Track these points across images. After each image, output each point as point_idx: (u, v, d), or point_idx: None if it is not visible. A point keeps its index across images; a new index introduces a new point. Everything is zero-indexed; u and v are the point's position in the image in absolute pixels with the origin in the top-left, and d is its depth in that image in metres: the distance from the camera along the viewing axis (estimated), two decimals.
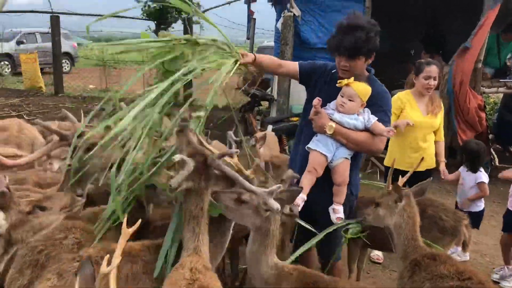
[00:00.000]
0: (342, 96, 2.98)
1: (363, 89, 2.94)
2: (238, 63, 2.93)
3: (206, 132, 4.89)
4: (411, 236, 2.95)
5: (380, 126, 2.96)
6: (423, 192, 3.19)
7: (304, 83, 3.37)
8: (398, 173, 4.45)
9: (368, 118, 2.98)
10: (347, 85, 2.93)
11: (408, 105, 4.50)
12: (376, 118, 2.98)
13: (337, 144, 3.00)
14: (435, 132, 4.64)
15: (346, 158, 3.03)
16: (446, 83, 7.22)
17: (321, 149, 3.00)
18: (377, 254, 4.91)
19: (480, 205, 4.74)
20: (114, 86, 16.81)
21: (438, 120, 4.56)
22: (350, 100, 2.95)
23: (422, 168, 4.47)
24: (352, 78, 2.93)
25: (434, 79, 4.41)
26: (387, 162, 4.75)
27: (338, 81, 2.99)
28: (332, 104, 3.06)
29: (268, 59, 3.30)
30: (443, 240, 3.69)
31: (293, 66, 3.34)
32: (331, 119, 2.97)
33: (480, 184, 4.62)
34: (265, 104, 9.92)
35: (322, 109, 2.99)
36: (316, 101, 2.97)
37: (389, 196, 3.02)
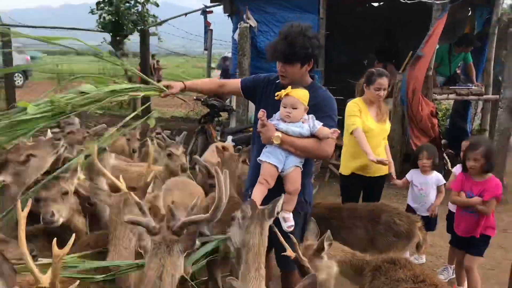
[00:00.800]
0: (285, 107, 2.99)
1: (303, 95, 2.96)
2: (162, 94, 3.31)
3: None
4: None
5: (325, 130, 2.98)
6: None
7: (250, 99, 3.45)
8: (356, 178, 4.58)
9: (313, 124, 2.99)
10: (286, 95, 2.95)
11: (362, 111, 4.58)
12: (321, 124, 3.00)
13: (286, 153, 3.01)
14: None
15: (297, 166, 3.04)
16: (399, 91, 7.44)
17: (271, 160, 3.00)
18: None
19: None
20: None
21: (388, 125, 4.67)
22: (294, 108, 2.96)
23: (382, 173, 4.60)
24: (289, 87, 2.96)
25: (384, 90, 4.50)
26: (341, 170, 4.81)
27: (275, 94, 3.02)
28: (277, 115, 3.06)
29: (207, 82, 3.59)
30: (398, 244, 3.78)
31: (236, 83, 3.44)
32: (277, 129, 2.99)
33: (441, 186, 4.71)
34: (224, 115, 9.92)
35: (268, 121, 3.01)
36: (261, 113, 2.99)
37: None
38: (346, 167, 4.72)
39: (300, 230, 3.27)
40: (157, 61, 22.95)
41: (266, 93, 3.23)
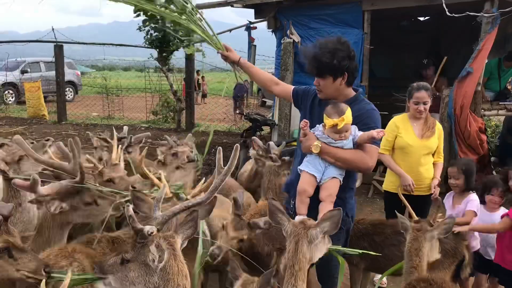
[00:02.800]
0: (338, 133, 2.93)
1: (348, 116, 2.90)
2: (219, 51, 3.52)
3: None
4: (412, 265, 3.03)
5: (368, 132, 2.93)
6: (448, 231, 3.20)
7: (297, 106, 3.46)
8: (398, 198, 4.45)
9: (355, 134, 2.96)
10: (335, 125, 2.88)
11: (403, 128, 4.50)
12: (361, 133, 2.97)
13: (325, 164, 2.98)
14: (433, 155, 4.57)
15: (335, 177, 3.00)
16: (447, 106, 7.26)
17: (310, 169, 2.99)
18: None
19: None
20: (117, 113, 17.03)
21: (433, 142, 4.48)
22: (346, 131, 2.94)
23: (422, 192, 4.47)
24: (339, 119, 2.86)
25: (424, 103, 4.37)
26: (385, 186, 4.72)
27: (325, 125, 2.96)
28: (321, 126, 3.04)
29: (262, 72, 3.66)
30: (444, 262, 3.65)
31: (289, 87, 3.54)
32: (318, 139, 2.98)
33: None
34: (266, 129, 9.96)
35: (309, 131, 3.02)
36: (303, 123, 3.01)
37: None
38: (389, 182, 4.65)
39: (343, 245, 3.19)
40: (202, 77, 23.44)
41: (312, 104, 3.26)
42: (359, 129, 2.98)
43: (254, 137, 6.57)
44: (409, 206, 3.59)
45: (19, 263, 2.25)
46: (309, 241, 2.38)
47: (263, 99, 20.71)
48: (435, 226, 3.15)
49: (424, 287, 2.79)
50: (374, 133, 2.89)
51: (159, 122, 15.19)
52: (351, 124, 2.96)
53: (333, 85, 3.04)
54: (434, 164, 4.56)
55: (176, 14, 3.60)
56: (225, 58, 3.57)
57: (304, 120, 3.05)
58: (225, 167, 2.32)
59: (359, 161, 2.97)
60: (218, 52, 3.59)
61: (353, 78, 3.12)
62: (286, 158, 4.68)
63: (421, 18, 11.26)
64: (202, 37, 3.63)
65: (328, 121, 2.90)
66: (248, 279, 2.58)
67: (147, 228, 2.03)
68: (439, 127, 4.60)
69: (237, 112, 9.44)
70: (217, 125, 15.37)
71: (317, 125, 3.07)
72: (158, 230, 2.14)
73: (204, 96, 23.07)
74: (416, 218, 3.45)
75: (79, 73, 24.40)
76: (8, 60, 21.52)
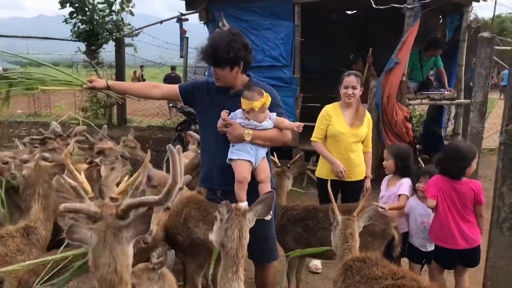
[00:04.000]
0: (263, 112, 3.16)
1: (266, 100, 3.10)
2: (84, 86, 3.48)
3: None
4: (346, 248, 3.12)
5: (286, 122, 3.24)
6: (371, 219, 3.32)
7: (188, 102, 3.57)
8: (332, 182, 4.55)
9: (270, 116, 3.23)
10: (264, 104, 3.09)
11: (335, 117, 4.62)
12: (275, 113, 3.24)
13: (255, 147, 3.18)
14: (363, 142, 4.72)
15: (264, 156, 3.25)
16: (374, 96, 7.53)
17: (244, 156, 3.13)
18: (315, 263, 4.95)
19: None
20: (43, 110, 16.25)
21: (362, 130, 4.62)
22: (262, 113, 3.17)
23: (354, 178, 4.62)
24: (265, 96, 3.08)
25: (353, 88, 4.52)
26: (318, 173, 4.83)
27: (249, 110, 3.12)
28: (238, 113, 3.19)
29: (138, 84, 3.90)
30: (374, 244, 3.79)
31: (173, 87, 3.59)
32: (244, 127, 3.14)
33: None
34: None
35: (233, 120, 3.15)
36: (224, 113, 3.15)
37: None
38: (321, 169, 4.77)
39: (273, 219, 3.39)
40: (134, 72, 22.92)
41: (210, 96, 3.39)
42: (270, 108, 3.21)
43: (189, 131, 6.50)
44: (334, 201, 3.60)
45: None
46: (248, 226, 2.39)
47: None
48: (360, 215, 3.28)
49: (359, 265, 2.87)
50: (294, 127, 3.24)
51: (88, 118, 14.66)
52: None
53: (231, 74, 3.23)
54: (364, 153, 4.72)
55: None
56: (93, 89, 3.56)
57: (225, 111, 3.16)
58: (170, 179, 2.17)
59: (281, 136, 3.26)
60: (84, 87, 3.53)
61: (248, 66, 3.31)
62: None
63: (349, 12, 11.63)
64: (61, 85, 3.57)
65: (256, 103, 3.06)
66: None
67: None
68: (368, 117, 4.75)
69: (171, 105, 9.25)
70: (151, 120, 15.08)
71: (232, 114, 3.20)
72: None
73: None
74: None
75: (1, 68, 23.02)
76: None
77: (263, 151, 3.24)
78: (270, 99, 3.11)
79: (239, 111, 3.18)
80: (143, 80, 20.76)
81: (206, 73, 17.02)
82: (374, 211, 3.32)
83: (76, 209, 2.01)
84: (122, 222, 1.94)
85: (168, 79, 17.33)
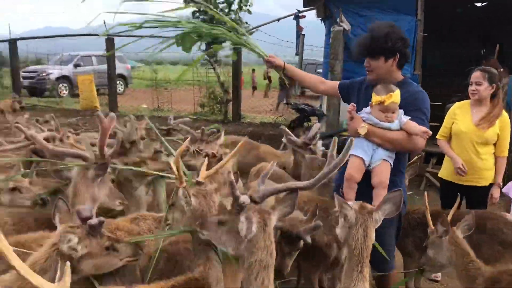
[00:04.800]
0: (384, 112, 2.97)
1: (397, 95, 2.92)
2: (265, 58, 3.60)
3: None
4: (468, 261, 2.94)
5: (414, 127, 2.93)
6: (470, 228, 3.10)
7: (346, 100, 3.45)
8: (453, 186, 4.25)
9: (401, 118, 2.96)
10: (382, 102, 2.91)
11: (460, 114, 4.36)
12: (408, 118, 2.96)
13: (373, 146, 2.99)
14: (495, 146, 4.32)
15: (385, 160, 2.98)
16: (506, 95, 6.91)
17: (357, 152, 2.97)
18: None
19: None
20: (165, 105, 17.34)
21: (491, 132, 4.22)
22: (393, 113, 2.96)
23: (476, 183, 4.26)
24: (387, 96, 2.90)
25: (477, 84, 4.19)
26: (440, 173, 4.56)
27: (371, 101, 3.00)
28: (367, 109, 3.06)
29: (308, 74, 3.79)
30: (505, 254, 3.47)
31: (334, 83, 3.64)
32: (364, 121, 2.99)
33: None
34: (314, 119, 9.85)
35: (356, 114, 3.02)
36: (351, 106, 3.03)
37: (433, 233, 3.10)
38: (444, 169, 4.55)
39: (395, 229, 3.24)
40: (253, 70, 23.65)
41: (360, 89, 3.30)
42: (409, 111, 2.99)
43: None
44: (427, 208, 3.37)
45: (121, 253, 2.34)
46: (374, 225, 2.32)
47: (302, 88, 20.55)
48: (457, 225, 3.08)
49: (509, 280, 2.69)
50: (420, 132, 2.90)
51: (206, 114, 15.34)
52: (399, 108, 2.97)
53: (385, 66, 3.09)
54: (496, 158, 4.32)
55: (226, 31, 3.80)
56: (271, 64, 3.65)
57: (352, 104, 3.06)
58: (338, 158, 2.28)
59: (407, 141, 2.98)
60: (264, 59, 3.67)
61: (404, 60, 3.15)
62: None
63: (478, 4, 10.80)
64: (249, 48, 3.76)
65: (375, 98, 2.93)
66: None
67: (242, 198, 2.07)
68: (504, 118, 4.31)
69: (284, 102, 9.35)
70: (264, 116, 15.36)
71: (364, 108, 3.09)
72: (256, 203, 2.18)
73: (254, 88, 23.19)
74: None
75: (129, 66, 24.97)
76: (63, 54, 22.36)
77: (382, 153, 2.98)
78: (394, 99, 2.90)
79: (369, 107, 3.05)
80: (269, 77, 21.21)
81: (317, 70, 17.08)
82: (472, 220, 3.08)
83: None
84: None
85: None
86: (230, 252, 2.15)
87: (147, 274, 2.52)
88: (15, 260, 1.50)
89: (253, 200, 2.17)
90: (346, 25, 8.02)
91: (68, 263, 1.70)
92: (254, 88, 23.35)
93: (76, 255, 2.14)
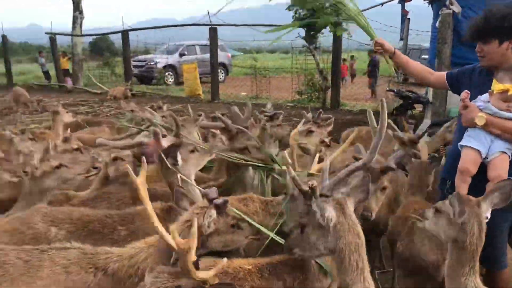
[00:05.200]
0: (506, 101, 2.72)
1: (510, 88, 2.68)
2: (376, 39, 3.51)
3: None
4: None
5: None
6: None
7: (455, 90, 3.25)
8: None
9: None
10: (506, 91, 2.68)
11: None
12: None
13: (491, 137, 2.75)
14: None
15: (504, 152, 2.74)
16: None
17: (473, 144, 2.77)
18: None
19: None
20: (264, 93, 17.63)
21: None
22: (508, 101, 2.72)
23: None
24: (495, 84, 2.71)
25: None
26: None
27: (491, 89, 2.76)
28: (483, 97, 2.82)
29: (418, 63, 3.54)
30: None
31: (443, 74, 3.38)
32: (481, 111, 2.77)
33: None
34: (418, 107, 9.45)
35: (470, 102, 2.82)
36: (464, 94, 2.84)
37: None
38: None
39: (509, 224, 2.97)
40: (352, 56, 23.24)
41: (471, 75, 3.09)
42: None
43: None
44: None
45: (245, 232, 2.48)
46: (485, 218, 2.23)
47: (405, 76, 19.69)
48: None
49: None
50: None
51: (303, 101, 15.34)
52: None
53: (499, 50, 2.84)
54: None
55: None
56: (380, 47, 3.50)
57: (466, 91, 2.86)
58: (378, 126, 2.30)
59: None
60: (374, 40, 3.55)
61: None
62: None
63: None
64: (360, 25, 3.71)
65: (498, 86, 2.71)
66: None
67: (306, 188, 2.14)
68: None
69: (387, 89, 9.05)
70: (364, 104, 15.03)
71: (479, 96, 2.86)
72: (326, 197, 2.20)
73: (353, 75, 22.77)
74: None
75: (230, 55, 25.67)
76: (169, 44, 23.58)
77: (501, 144, 2.75)
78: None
79: (485, 95, 2.83)
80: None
81: (421, 56, 16.27)
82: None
83: None
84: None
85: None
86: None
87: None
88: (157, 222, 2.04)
89: (323, 195, 2.20)
90: (456, 8, 7.56)
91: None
92: (353, 75, 22.88)
93: (206, 231, 2.31)
